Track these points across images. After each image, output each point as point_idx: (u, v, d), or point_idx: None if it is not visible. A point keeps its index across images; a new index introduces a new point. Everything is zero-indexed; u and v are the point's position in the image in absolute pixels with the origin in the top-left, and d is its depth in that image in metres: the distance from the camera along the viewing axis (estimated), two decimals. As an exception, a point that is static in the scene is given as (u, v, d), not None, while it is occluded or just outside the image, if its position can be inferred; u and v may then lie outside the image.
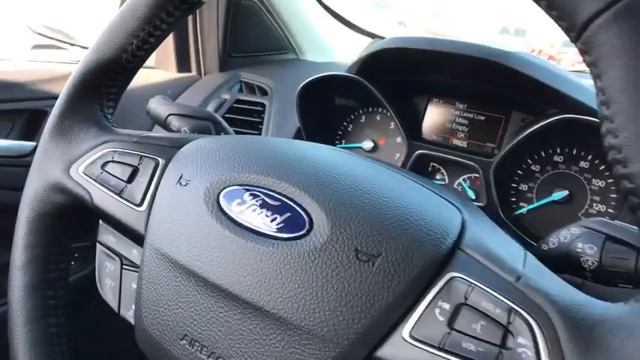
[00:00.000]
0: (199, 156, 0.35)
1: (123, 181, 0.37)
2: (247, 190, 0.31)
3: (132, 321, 0.34)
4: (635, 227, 0.32)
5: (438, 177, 0.70)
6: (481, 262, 0.26)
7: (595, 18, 0.23)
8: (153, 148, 0.38)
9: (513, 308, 0.23)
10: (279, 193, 0.31)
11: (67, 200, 0.39)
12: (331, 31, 1.00)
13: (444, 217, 0.29)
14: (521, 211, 0.63)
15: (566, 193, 0.61)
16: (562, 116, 0.54)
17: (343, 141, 0.78)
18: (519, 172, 0.64)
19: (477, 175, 0.65)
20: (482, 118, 0.67)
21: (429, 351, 0.25)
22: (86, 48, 0.43)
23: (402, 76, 0.66)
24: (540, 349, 0.22)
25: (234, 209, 0.31)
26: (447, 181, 0.69)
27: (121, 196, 0.36)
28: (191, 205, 0.32)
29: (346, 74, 0.65)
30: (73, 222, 0.40)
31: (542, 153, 0.63)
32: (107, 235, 0.38)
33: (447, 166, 0.68)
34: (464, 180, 0.68)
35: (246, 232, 0.30)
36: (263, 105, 0.76)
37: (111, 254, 0.38)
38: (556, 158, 0.62)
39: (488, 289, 0.25)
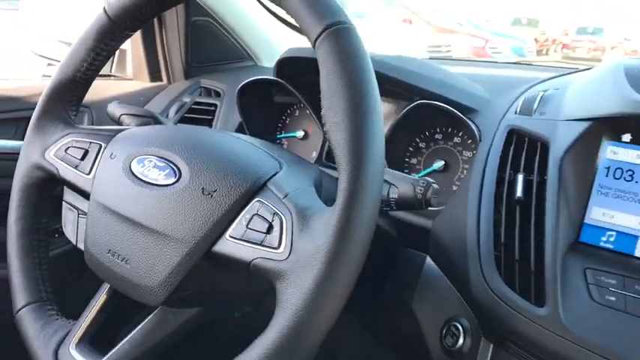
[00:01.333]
0: (125, 139, 0.53)
1: (78, 159, 0.55)
2: (147, 157, 0.49)
3: (83, 248, 0.52)
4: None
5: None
6: (274, 193, 0.43)
7: (319, 37, 0.40)
8: (99, 136, 0.56)
9: (276, 212, 0.41)
10: (166, 159, 0.48)
11: (44, 175, 0.57)
12: (286, 37, 1.17)
13: (264, 167, 0.46)
14: (411, 179, 0.80)
15: (442, 163, 0.77)
16: (417, 102, 0.70)
17: (282, 131, 0.95)
18: (410, 149, 0.80)
19: None
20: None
21: (237, 242, 0.42)
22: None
23: (311, 77, 0.83)
24: (284, 231, 0.39)
25: (138, 170, 0.49)
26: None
27: (76, 169, 0.55)
28: (115, 170, 0.50)
29: (267, 77, 0.83)
30: (48, 189, 0.58)
31: (427, 132, 0.79)
32: (68, 196, 0.56)
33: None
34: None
35: (144, 184, 0.48)
36: (215, 105, 0.94)
37: (71, 208, 0.56)
38: (437, 136, 0.78)
39: (268, 204, 0.42)
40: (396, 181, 0.47)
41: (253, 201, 0.43)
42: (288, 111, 0.94)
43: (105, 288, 0.52)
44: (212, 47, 1.06)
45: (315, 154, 0.88)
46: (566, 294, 0.46)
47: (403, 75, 0.71)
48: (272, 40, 1.15)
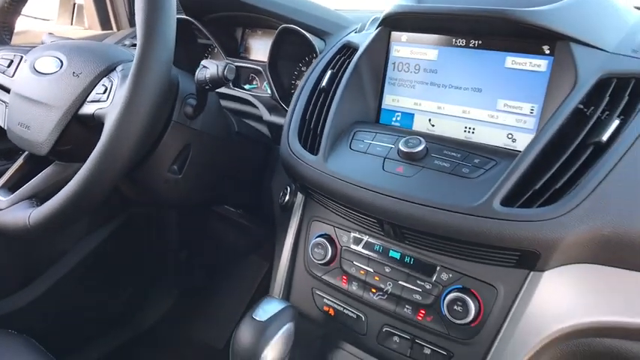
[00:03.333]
0: (36, 49, 0.73)
1: (5, 67, 0.75)
2: (45, 57, 0.69)
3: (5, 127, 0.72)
4: None
5: (254, 83, 1.04)
6: (117, 71, 0.62)
7: None
8: (21, 50, 0.75)
9: (112, 80, 0.60)
10: (56, 57, 0.68)
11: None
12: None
13: (117, 58, 0.65)
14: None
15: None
16: (281, 27, 0.87)
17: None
18: (295, 72, 0.98)
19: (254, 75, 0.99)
20: (261, 38, 1.00)
21: (90, 104, 0.61)
22: None
23: (216, 14, 1.00)
24: (112, 90, 0.59)
25: (38, 66, 0.68)
26: (258, 85, 1.03)
27: (3, 74, 0.74)
28: (25, 69, 0.70)
29: (179, 17, 1.01)
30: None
31: (306, 58, 0.96)
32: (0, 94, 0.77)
33: (255, 75, 1.02)
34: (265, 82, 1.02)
35: (39, 74, 0.67)
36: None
37: (1, 102, 0.76)
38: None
39: (111, 78, 0.61)
40: (209, 66, 0.66)
41: (104, 78, 0.62)
42: (209, 49, 1.12)
43: (21, 157, 0.73)
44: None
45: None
46: (334, 146, 0.64)
47: (269, 5, 0.88)
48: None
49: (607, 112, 0.52)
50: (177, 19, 1.03)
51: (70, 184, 0.58)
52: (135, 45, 1.10)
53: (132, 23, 1.23)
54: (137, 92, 0.55)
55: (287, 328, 0.58)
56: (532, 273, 0.53)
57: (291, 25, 0.86)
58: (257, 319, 0.57)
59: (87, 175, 0.56)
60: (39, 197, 0.66)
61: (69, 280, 1.23)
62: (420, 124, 0.68)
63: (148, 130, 0.57)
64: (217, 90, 0.86)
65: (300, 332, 0.61)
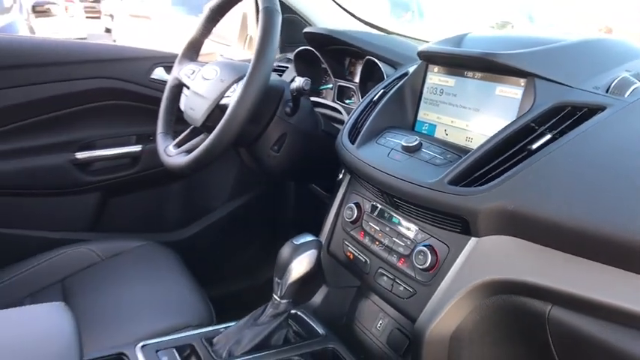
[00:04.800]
0: (209, 64, 1.17)
1: (190, 74, 1.21)
2: (211, 68, 1.12)
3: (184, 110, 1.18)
4: None
5: (352, 98, 1.36)
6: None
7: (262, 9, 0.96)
8: (202, 64, 1.21)
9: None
10: (215, 69, 1.10)
11: (177, 82, 1.25)
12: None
13: (245, 72, 1.04)
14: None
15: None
16: (366, 58, 1.18)
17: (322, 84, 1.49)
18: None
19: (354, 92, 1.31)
20: (360, 65, 1.31)
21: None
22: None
23: (331, 47, 1.35)
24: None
25: (205, 74, 1.11)
26: (355, 100, 1.34)
27: (189, 78, 1.20)
28: (199, 75, 1.14)
29: (305, 47, 1.38)
30: (179, 88, 1.26)
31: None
32: (185, 91, 1.23)
33: (354, 92, 1.34)
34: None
35: (205, 79, 1.10)
36: (287, 67, 1.54)
37: (185, 94, 1.22)
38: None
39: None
40: (296, 80, 1.00)
41: (235, 84, 1.01)
42: (327, 71, 1.48)
43: (189, 128, 1.17)
44: (298, 33, 1.66)
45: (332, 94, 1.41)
46: (367, 141, 0.92)
47: (362, 43, 1.20)
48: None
49: (550, 130, 0.71)
50: (304, 48, 1.42)
51: (205, 142, 0.98)
52: (280, 66, 1.53)
53: (281, 51, 1.67)
54: (245, 92, 0.92)
55: (311, 252, 0.88)
56: (472, 238, 0.74)
57: (373, 58, 1.16)
58: (294, 242, 0.88)
59: (214, 137, 0.95)
60: (190, 151, 1.08)
61: (215, 228, 1.72)
62: (439, 133, 0.92)
63: (250, 116, 0.93)
64: (320, 100, 1.22)
65: (330, 272, 0.90)
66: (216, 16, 1.17)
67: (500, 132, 0.74)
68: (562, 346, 0.68)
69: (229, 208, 1.74)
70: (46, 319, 0.68)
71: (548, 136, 0.70)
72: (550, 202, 0.65)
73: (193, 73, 1.19)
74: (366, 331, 0.97)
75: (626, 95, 0.71)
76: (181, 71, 1.21)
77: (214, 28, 1.21)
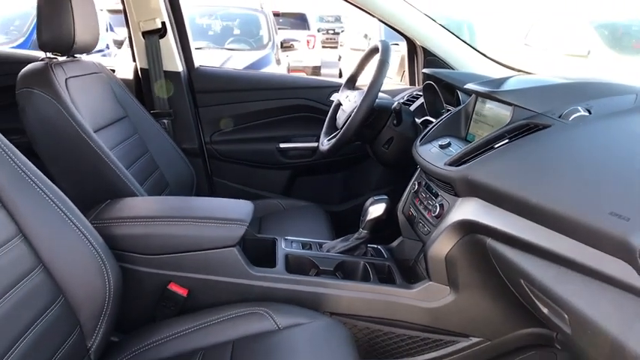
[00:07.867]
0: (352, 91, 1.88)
1: (344, 99, 1.93)
2: (353, 91, 1.82)
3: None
4: None
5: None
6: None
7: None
8: (356, 90, 1.92)
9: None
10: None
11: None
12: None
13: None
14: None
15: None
16: (457, 90, 1.69)
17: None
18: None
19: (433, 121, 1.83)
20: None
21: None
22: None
23: (444, 83, 1.89)
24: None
25: (340, 96, 1.82)
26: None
27: (339, 100, 1.93)
28: (337, 97, 1.86)
29: (427, 82, 1.95)
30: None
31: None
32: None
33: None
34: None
35: (343, 103, 1.81)
36: (420, 96, 2.12)
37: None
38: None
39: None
40: (394, 102, 1.61)
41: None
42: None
43: None
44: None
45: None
46: (426, 143, 1.48)
47: (450, 79, 1.73)
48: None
49: (510, 137, 1.17)
50: (427, 83, 1.99)
51: (335, 137, 1.68)
52: (411, 95, 2.15)
53: (418, 83, 2.26)
54: (358, 109, 1.58)
55: (381, 204, 1.48)
56: (458, 199, 1.25)
57: (458, 91, 1.69)
58: (374, 198, 1.51)
59: (340, 134, 1.65)
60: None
61: (361, 207, 2.41)
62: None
63: (362, 122, 1.59)
64: (429, 118, 1.81)
65: (403, 227, 1.51)
66: (370, 56, 1.86)
67: (484, 137, 1.23)
68: (500, 266, 1.14)
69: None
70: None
71: (507, 140, 1.17)
72: (495, 176, 1.13)
73: (347, 97, 1.92)
74: (410, 259, 1.52)
75: (569, 119, 1.12)
76: (341, 95, 1.95)
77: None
